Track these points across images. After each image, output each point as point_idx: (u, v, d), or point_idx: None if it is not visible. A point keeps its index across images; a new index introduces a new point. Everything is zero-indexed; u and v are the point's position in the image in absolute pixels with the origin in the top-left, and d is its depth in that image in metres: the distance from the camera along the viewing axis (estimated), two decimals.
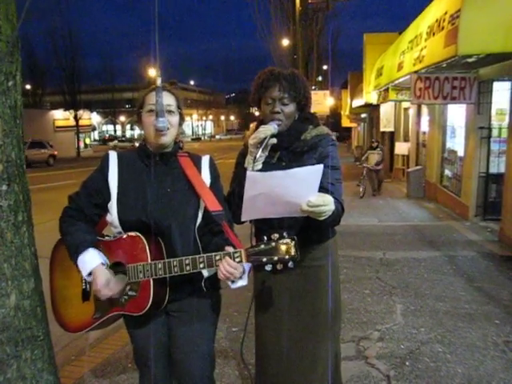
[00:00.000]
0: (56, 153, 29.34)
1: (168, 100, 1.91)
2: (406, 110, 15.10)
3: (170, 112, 1.91)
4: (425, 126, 12.36)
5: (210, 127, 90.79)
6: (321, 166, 1.74)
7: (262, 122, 2.14)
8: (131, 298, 1.86)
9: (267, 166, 2.02)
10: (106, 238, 1.99)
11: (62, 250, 2.00)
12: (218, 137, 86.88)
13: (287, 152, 2.09)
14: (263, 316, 2.20)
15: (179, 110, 1.97)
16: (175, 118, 1.94)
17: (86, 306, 1.96)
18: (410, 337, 3.80)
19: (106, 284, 1.84)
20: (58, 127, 40.66)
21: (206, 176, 2.00)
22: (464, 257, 6.14)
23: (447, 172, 10.67)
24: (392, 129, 16.30)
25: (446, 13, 6.77)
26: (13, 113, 1.83)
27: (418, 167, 12.43)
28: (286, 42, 21.21)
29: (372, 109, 19.77)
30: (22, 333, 1.87)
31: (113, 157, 1.98)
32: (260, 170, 1.98)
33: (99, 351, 3.61)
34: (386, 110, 15.89)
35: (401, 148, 14.90)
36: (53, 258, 2.09)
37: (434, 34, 7.44)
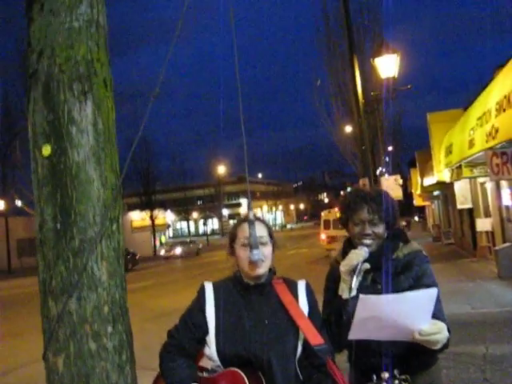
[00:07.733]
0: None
1: (260, 231, 1.91)
2: (482, 184, 14.51)
3: (263, 244, 1.91)
4: (507, 199, 11.74)
5: (280, 217, 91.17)
6: (435, 290, 1.67)
7: (349, 241, 2.11)
8: None
9: (362, 289, 1.95)
10: (205, 373, 1.95)
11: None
12: (289, 226, 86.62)
13: (381, 273, 2.01)
14: None
15: (271, 240, 1.97)
16: (268, 249, 1.94)
17: None
18: None
19: None
20: (135, 228, 42.78)
21: (303, 303, 1.94)
22: None
23: None
24: (470, 205, 15.61)
25: None
26: (116, 254, 1.92)
27: (507, 244, 11.61)
28: (348, 129, 21.68)
29: (445, 186, 19.20)
30: None
31: (209, 288, 1.99)
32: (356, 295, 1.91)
33: None
34: (461, 187, 15.35)
35: (483, 224, 14.14)
36: None
37: (504, 110, 7.33)
